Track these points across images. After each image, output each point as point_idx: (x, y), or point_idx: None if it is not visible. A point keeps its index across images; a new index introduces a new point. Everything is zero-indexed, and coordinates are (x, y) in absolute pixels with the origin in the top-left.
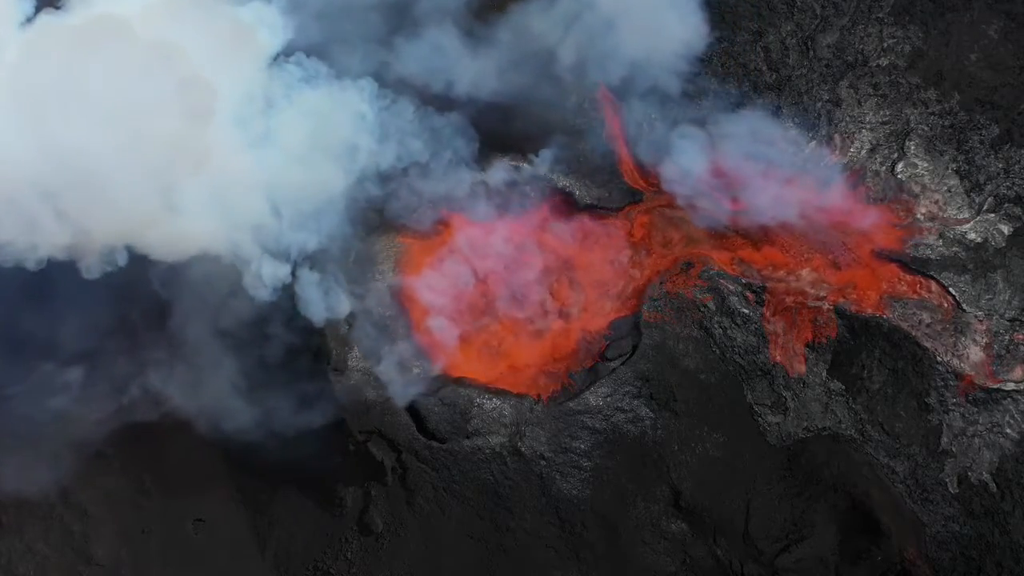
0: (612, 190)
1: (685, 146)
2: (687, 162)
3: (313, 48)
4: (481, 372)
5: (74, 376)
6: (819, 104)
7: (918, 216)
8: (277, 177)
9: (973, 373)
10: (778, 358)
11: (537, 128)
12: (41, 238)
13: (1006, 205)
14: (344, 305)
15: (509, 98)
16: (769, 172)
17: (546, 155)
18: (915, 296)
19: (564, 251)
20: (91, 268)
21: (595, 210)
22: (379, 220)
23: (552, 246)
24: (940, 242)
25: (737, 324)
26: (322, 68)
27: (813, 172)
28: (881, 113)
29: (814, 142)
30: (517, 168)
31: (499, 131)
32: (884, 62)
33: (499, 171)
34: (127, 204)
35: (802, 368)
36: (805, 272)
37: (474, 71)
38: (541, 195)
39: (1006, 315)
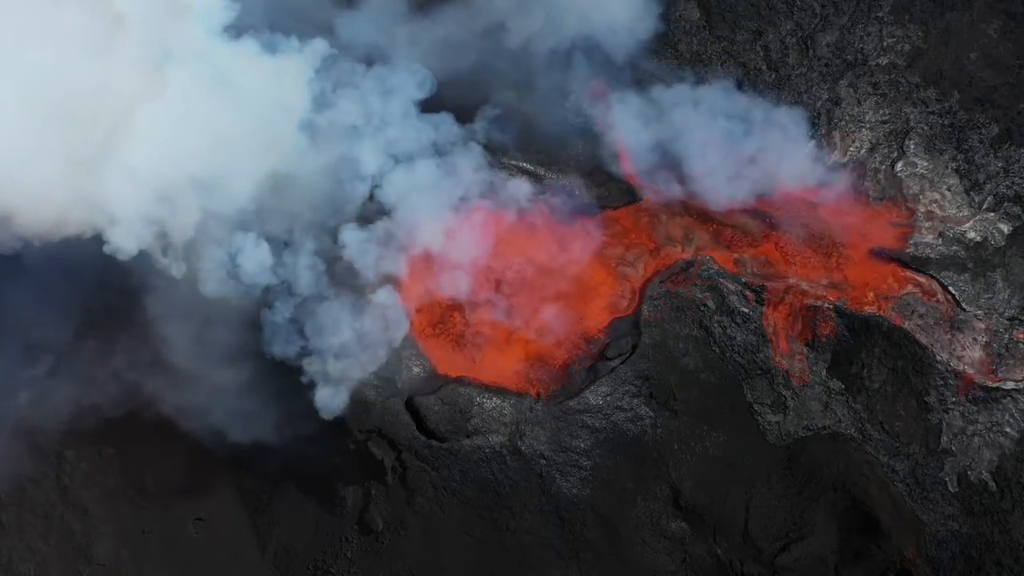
0: (611, 188)
1: (630, 119)
2: (632, 136)
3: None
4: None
5: (43, 369)
6: (819, 103)
7: (917, 215)
8: (203, 144)
9: (973, 372)
10: (778, 358)
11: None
12: None
13: (1005, 204)
14: (258, 279)
15: (458, 73)
16: (726, 150)
17: (486, 113)
18: (914, 295)
19: (561, 251)
20: (2, 244)
21: (594, 208)
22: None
23: (548, 245)
24: (939, 241)
25: (737, 323)
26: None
27: (776, 151)
28: (881, 112)
29: (813, 141)
30: (456, 125)
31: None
32: (884, 61)
33: (437, 128)
34: (46, 190)
35: (805, 375)
36: (804, 271)
37: (422, 46)
38: (538, 192)
39: (1005, 314)
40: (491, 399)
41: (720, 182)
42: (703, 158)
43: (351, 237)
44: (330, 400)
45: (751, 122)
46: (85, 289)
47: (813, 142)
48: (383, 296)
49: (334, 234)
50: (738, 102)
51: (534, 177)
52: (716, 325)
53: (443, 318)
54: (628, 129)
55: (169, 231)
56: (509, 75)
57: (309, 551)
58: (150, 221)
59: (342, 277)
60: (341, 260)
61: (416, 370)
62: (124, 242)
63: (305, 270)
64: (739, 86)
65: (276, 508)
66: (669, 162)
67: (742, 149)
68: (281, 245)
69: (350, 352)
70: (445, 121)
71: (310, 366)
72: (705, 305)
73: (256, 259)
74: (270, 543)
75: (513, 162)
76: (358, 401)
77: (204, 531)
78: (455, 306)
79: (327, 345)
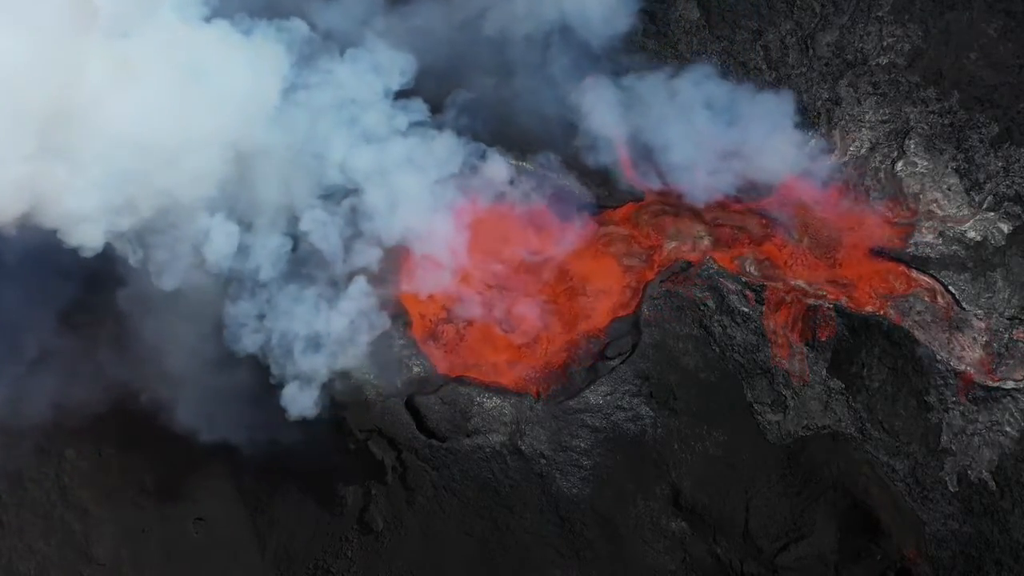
0: (611, 188)
1: (601, 108)
2: (603, 126)
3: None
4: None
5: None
6: (819, 103)
7: (918, 214)
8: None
9: (973, 371)
10: (778, 358)
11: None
12: None
13: (1005, 203)
14: (223, 265)
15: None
16: (703, 141)
17: (457, 98)
18: (914, 295)
19: (560, 250)
20: None
21: (594, 208)
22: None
23: (547, 245)
24: (939, 240)
25: (737, 323)
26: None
27: (756, 143)
28: (881, 112)
29: (813, 140)
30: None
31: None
32: (884, 61)
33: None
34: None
35: (805, 375)
36: (804, 270)
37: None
38: (535, 190)
39: (1006, 313)
40: (491, 399)
41: (706, 175)
42: (696, 150)
43: (318, 221)
44: (293, 400)
45: (737, 112)
46: (75, 283)
47: (812, 141)
48: (355, 288)
49: (300, 220)
50: (725, 91)
51: (532, 175)
52: (716, 325)
53: (435, 331)
54: (625, 125)
55: (130, 220)
56: (505, 68)
57: (309, 550)
58: (114, 213)
59: (310, 266)
60: (311, 248)
61: (416, 370)
62: (88, 238)
63: (270, 257)
64: (723, 75)
65: (276, 508)
66: (664, 156)
67: (729, 139)
68: (246, 232)
69: (319, 347)
70: (422, 109)
71: (275, 363)
72: (705, 305)
73: (223, 242)
74: (270, 543)
75: (513, 161)
76: (358, 401)
77: (204, 531)
78: (449, 315)
79: (293, 339)
